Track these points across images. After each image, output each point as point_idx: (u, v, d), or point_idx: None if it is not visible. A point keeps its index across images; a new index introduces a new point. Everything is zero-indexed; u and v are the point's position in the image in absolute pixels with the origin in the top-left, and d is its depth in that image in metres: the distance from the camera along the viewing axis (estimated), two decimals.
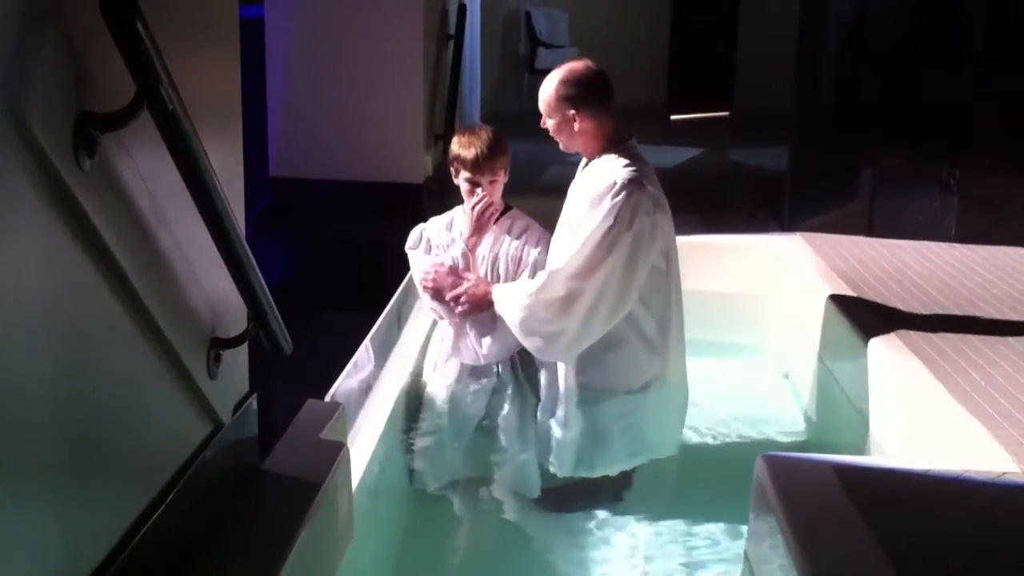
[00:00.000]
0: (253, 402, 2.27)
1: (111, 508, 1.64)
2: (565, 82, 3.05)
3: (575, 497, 3.21)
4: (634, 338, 3.11)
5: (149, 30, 1.41)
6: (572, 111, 3.04)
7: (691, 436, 3.55)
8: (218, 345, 2.01)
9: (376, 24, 4.92)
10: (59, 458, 1.45)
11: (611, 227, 2.94)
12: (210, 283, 1.95)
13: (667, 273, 3.13)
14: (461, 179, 3.21)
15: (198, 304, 1.90)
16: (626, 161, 3.03)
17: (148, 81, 1.44)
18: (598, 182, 3.01)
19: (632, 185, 2.96)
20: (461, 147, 3.18)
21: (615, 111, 3.10)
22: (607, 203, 2.95)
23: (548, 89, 3.08)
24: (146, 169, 1.63)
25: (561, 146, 3.17)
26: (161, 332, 1.73)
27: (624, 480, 3.25)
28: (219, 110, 2.08)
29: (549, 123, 3.11)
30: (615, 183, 2.96)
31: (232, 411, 2.14)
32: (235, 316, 2.11)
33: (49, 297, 1.40)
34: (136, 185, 1.60)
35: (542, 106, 3.11)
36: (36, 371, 1.37)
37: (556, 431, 3.19)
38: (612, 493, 3.22)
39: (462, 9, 5.72)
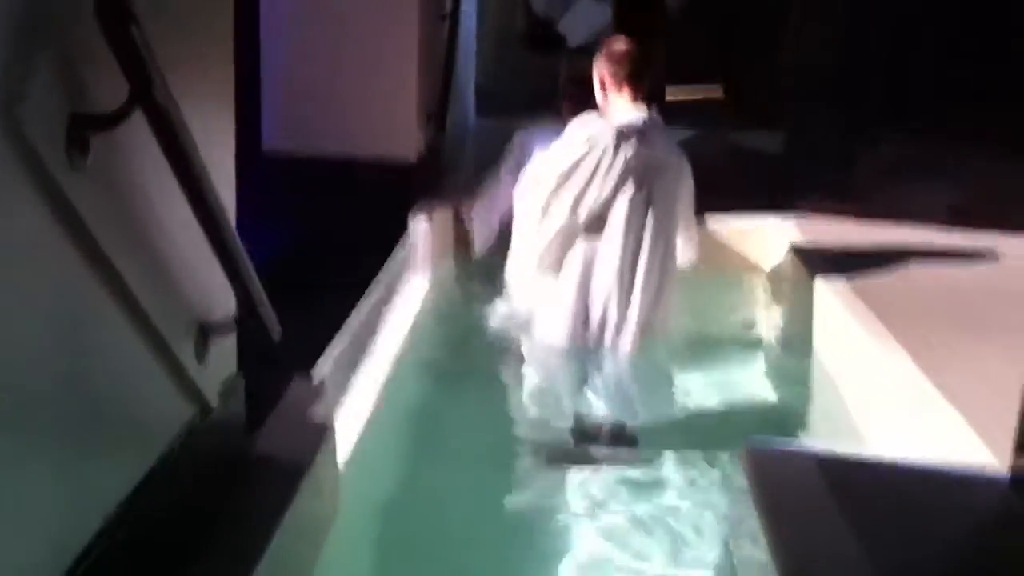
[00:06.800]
0: (240, 383, 2.29)
1: (99, 489, 1.66)
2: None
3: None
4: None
5: (143, 32, 1.42)
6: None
7: (678, 422, 3.56)
8: (206, 329, 2.02)
9: (371, 0, 4.89)
10: (47, 441, 1.48)
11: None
12: (198, 267, 1.96)
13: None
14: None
15: (186, 288, 1.92)
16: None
17: (142, 82, 1.45)
18: None
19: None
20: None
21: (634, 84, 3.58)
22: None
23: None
24: (137, 160, 1.64)
25: None
26: (149, 316, 1.75)
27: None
28: (211, 97, 2.09)
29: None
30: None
31: (219, 393, 2.16)
32: (223, 300, 2.12)
33: (38, 285, 1.41)
34: (127, 176, 1.62)
35: None
36: (25, 356, 1.39)
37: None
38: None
39: None
